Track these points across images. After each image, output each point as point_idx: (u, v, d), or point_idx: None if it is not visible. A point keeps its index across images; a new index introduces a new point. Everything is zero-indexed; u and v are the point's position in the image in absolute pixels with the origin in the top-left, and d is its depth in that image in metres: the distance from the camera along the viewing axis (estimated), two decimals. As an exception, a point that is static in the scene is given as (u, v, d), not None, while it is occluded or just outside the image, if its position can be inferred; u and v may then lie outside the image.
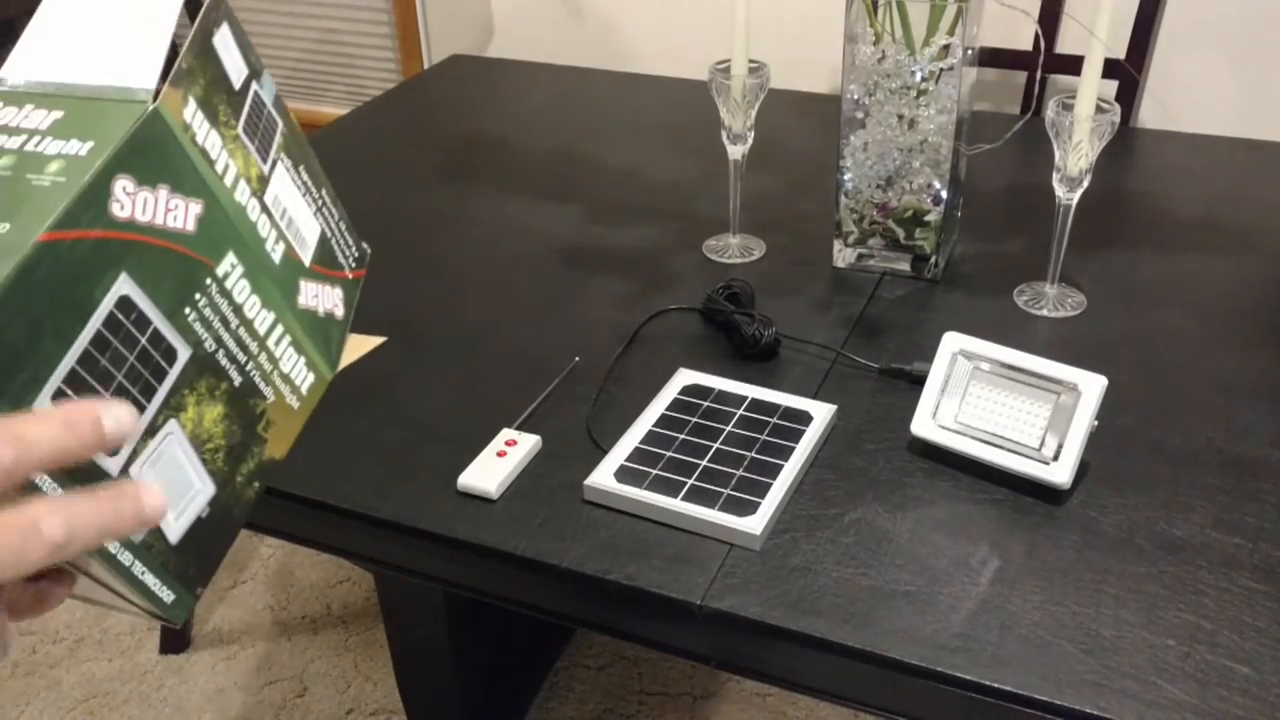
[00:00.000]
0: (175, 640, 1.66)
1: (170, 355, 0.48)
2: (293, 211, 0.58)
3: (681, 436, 0.89)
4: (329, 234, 0.63)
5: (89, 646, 1.68)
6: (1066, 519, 0.82)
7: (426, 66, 2.07)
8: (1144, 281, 1.12)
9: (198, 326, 0.49)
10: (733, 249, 1.20)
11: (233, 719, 1.56)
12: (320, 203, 0.63)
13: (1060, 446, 0.83)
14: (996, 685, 0.69)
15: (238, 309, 0.52)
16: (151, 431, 0.47)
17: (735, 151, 1.14)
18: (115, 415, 0.39)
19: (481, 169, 1.42)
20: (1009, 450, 0.85)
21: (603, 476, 0.85)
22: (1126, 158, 1.40)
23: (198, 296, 0.49)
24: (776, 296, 1.11)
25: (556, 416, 0.94)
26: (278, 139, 0.58)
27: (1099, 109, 0.96)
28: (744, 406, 0.92)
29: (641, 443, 0.88)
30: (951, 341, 0.89)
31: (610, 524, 0.83)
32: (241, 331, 0.53)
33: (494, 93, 1.67)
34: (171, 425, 0.48)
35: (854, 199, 1.12)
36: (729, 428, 0.90)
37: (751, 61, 1.08)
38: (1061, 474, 0.82)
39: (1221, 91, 1.58)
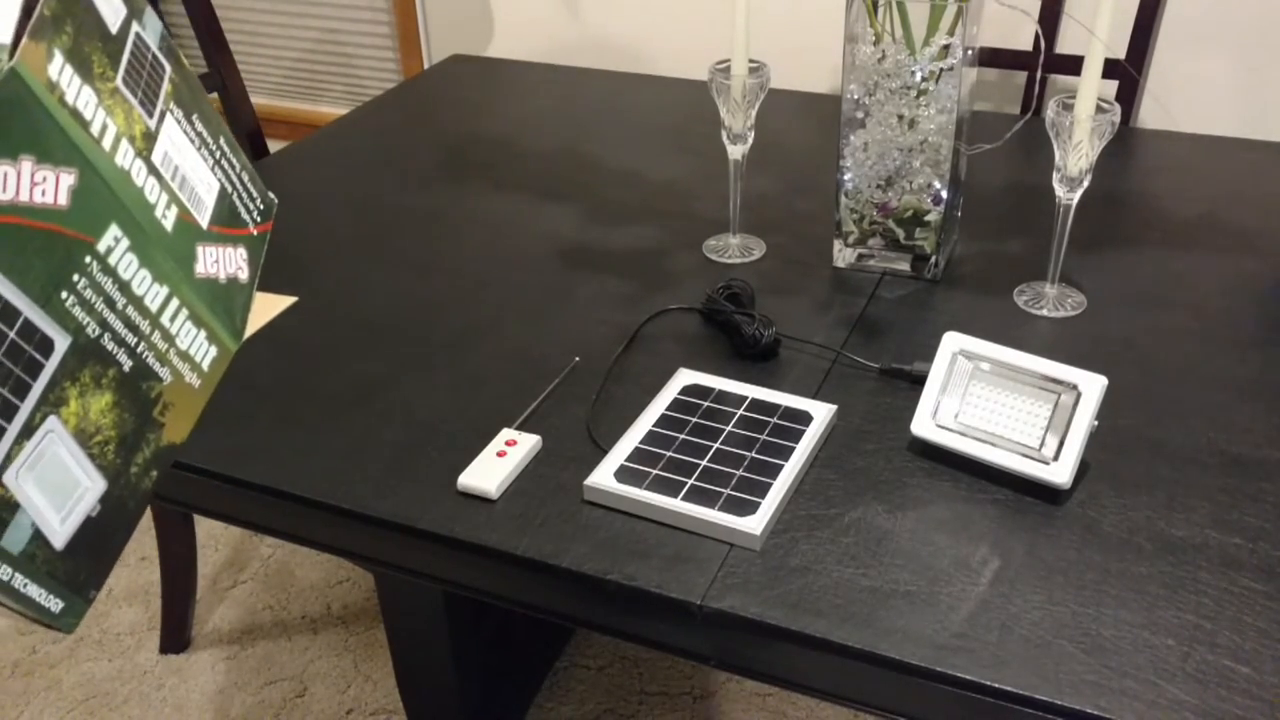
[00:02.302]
0: (175, 640, 1.66)
1: (46, 346, 0.43)
2: (186, 168, 0.52)
3: (681, 436, 0.89)
4: (229, 188, 0.57)
5: (89, 646, 1.68)
6: (1066, 519, 0.82)
7: (426, 66, 2.07)
8: (1144, 281, 1.12)
9: (78, 311, 0.44)
10: (733, 249, 1.20)
11: (233, 719, 1.56)
12: (219, 154, 0.56)
13: (1060, 446, 0.83)
14: (996, 685, 0.69)
15: (124, 286, 0.47)
16: (28, 432, 0.42)
17: (735, 151, 1.14)
18: None
19: (481, 169, 1.42)
20: (1009, 450, 0.85)
21: (603, 476, 0.85)
22: (1126, 158, 1.40)
23: (76, 278, 0.44)
24: (776, 296, 1.11)
25: (556, 416, 0.94)
26: (165, 86, 0.51)
27: (1099, 109, 0.96)
28: (744, 406, 0.92)
29: (641, 443, 0.88)
30: (951, 341, 0.89)
31: (610, 524, 0.83)
32: (130, 311, 0.47)
33: (494, 93, 1.67)
34: (52, 422, 0.44)
35: (854, 199, 1.12)
36: (729, 428, 0.90)
37: (751, 61, 1.08)
38: (1061, 474, 0.82)
39: (1221, 91, 1.58)
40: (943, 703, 0.71)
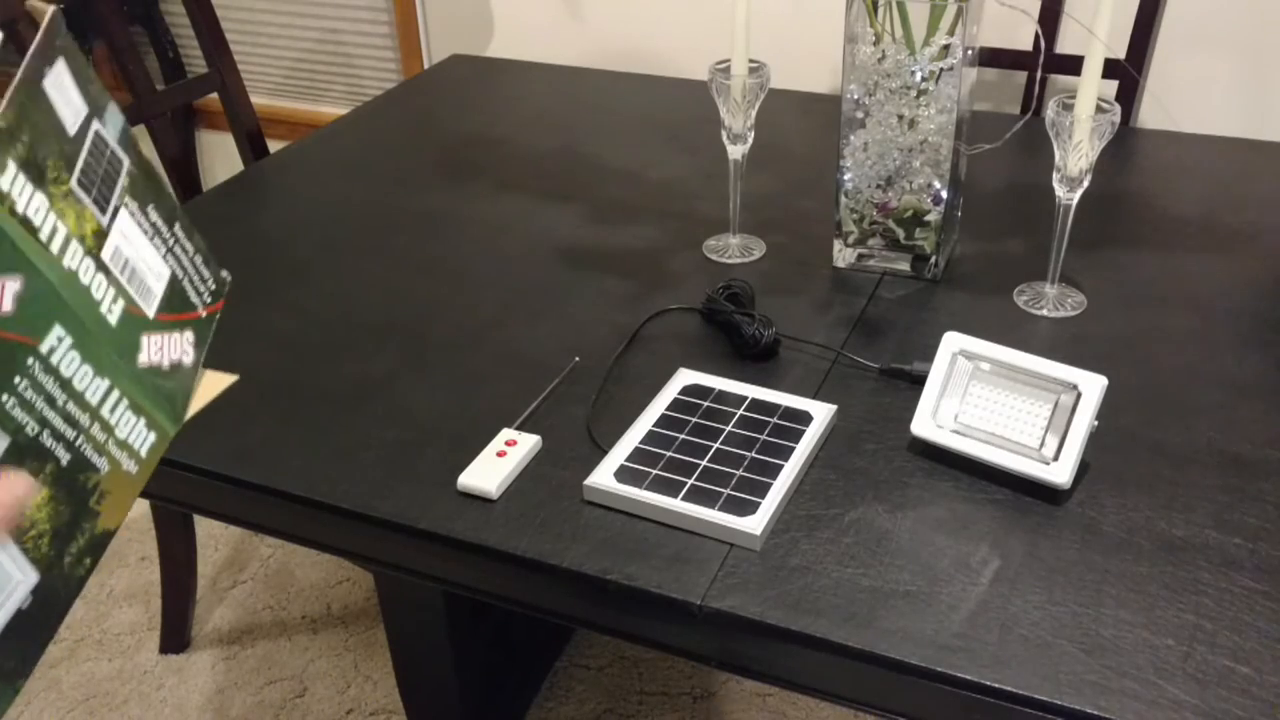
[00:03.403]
0: (175, 640, 1.66)
1: None
2: (137, 261, 0.53)
3: (681, 436, 0.89)
4: (181, 274, 0.58)
5: (89, 646, 1.68)
6: (1066, 519, 0.82)
7: (426, 66, 2.07)
8: (1144, 281, 1.12)
9: (17, 412, 0.44)
10: (733, 249, 1.20)
11: (233, 719, 1.56)
12: (172, 241, 0.57)
13: (1060, 446, 0.83)
14: (996, 685, 0.69)
15: (65, 384, 0.47)
16: None
17: (735, 151, 1.14)
18: None
19: (481, 169, 1.42)
20: (1009, 450, 0.85)
21: (603, 476, 0.85)
22: (1126, 158, 1.40)
23: (17, 380, 0.44)
24: (776, 296, 1.11)
25: (556, 416, 0.94)
26: (122, 181, 0.52)
27: (1099, 109, 0.96)
28: (744, 406, 0.92)
29: (641, 443, 0.88)
30: (951, 341, 0.89)
31: (610, 524, 0.83)
32: (70, 406, 0.47)
33: (494, 93, 1.67)
34: None
35: (854, 199, 1.12)
36: (729, 428, 0.90)
37: (751, 61, 1.08)
38: (1061, 474, 0.82)
39: (1221, 91, 1.58)
40: (943, 703, 0.71)
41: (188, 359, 0.58)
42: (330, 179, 1.40)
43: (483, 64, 1.79)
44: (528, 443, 0.89)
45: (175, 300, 0.57)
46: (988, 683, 0.69)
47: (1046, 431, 0.84)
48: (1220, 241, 1.19)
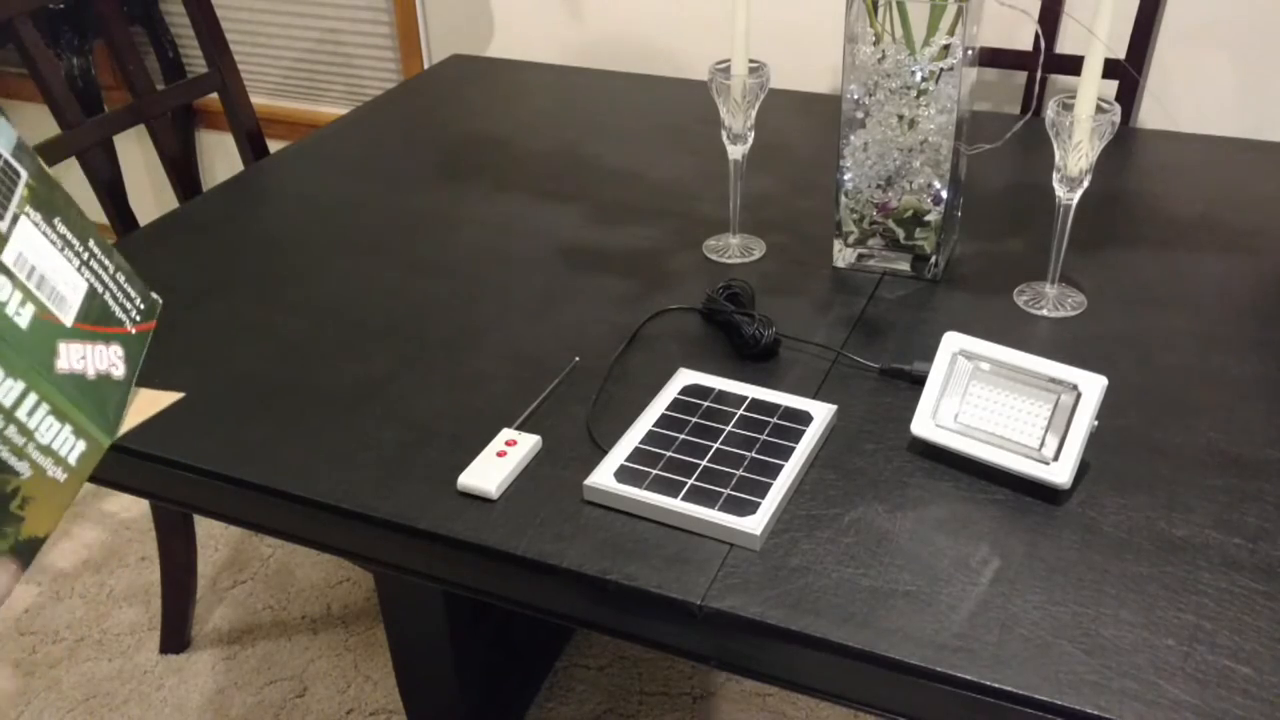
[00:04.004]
0: (175, 640, 1.66)
1: None
2: (45, 268, 0.54)
3: (681, 436, 0.89)
4: (101, 288, 0.59)
5: (89, 646, 1.68)
6: (1066, 519, 0.82)
7: (426, 66, 2.07)
8: (1144, 281, 1.12)
9: None
10: (733, 249, 1.20)
11: (233, 719, 1.56)
12: (87, 256, 0.58)
13: (1060, 446, 0.83)
14: (996, 685, 0.69)
15: None
16: None
17: (735, 151, 1.14)
18: None
19: (481, 169, 1.42)
20: (1009, 450, 0.85)
21: (603, 476, 0.85)
22: (1126, 158, 1.40)
23: None
24: (776, 296, 1.11)
25: (556, 416, 0.94)
26: (20, 191, 0.53)
27: (1099, 109, 0.96)
28: (744, 406, 0.92)
29: (641, 443, 0.88)
30: (951, 341, 0.89)
31: (610, 524, 0.83)
32: None
33: (494, 93, 1.67)
34: None
35: (854, 199, 1.12)
36: (729, 428, 0.90)
37: (751, 61, 1.08)
38: (1061, 474, 0.82)
39: (1221, 91, 1.58)
40: (943, 703, 0.71)
41: (117, 372, 0.58)
42: (330, 179, 1.40)
43: (483, 64, 1.79)
44: (528, 443, 0.89)
45: (96, 313, 0.58)
46: (988, 683, 0.69)
47: (1046, 431, 0.84)
48: (1220, 241, 1.19)
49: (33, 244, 0.53)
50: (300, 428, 0.94)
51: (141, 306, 0.63)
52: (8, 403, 0.50)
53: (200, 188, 1.58)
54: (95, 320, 0.57)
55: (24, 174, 0.53)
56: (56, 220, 0.55)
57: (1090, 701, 0.68)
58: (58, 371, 0.53)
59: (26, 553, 0.50)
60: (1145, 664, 0.70)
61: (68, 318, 0.55)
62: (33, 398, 0.51)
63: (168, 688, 1.61)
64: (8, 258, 0.51)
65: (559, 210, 1.30)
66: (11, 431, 0.50)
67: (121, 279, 0.61)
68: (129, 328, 0.60)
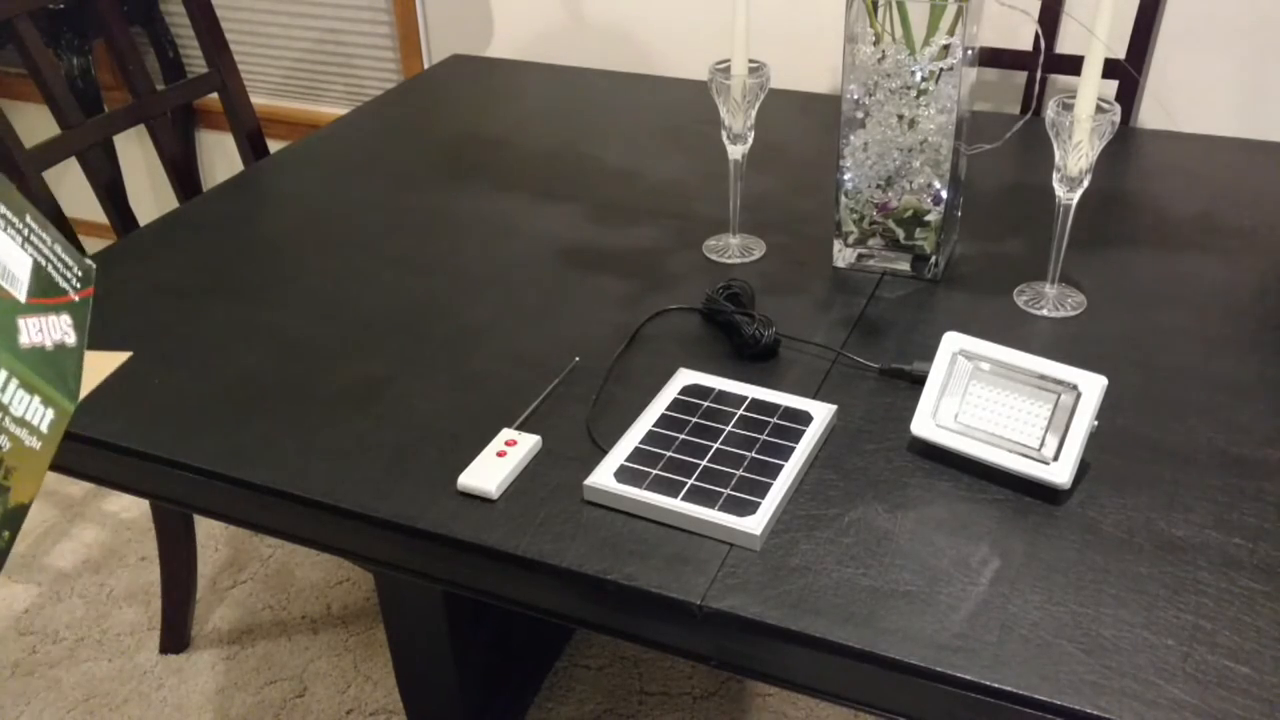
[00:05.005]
0: (175, 640, 1.66)
1: None
2: None
3: (681, 436, 0.89)
4: (44, 261, 0.61)
5: (89, 646, 1.68)
6: (1066, 519, 0.82)
7: (426, 66, 2.07)
8: (1144, 281, 1.12)
9: None
10: (733, 249, 1.20)
11: (233, 719, 1.56)
12: (27, 232, 0.61)
13: (1060, 446, 0.83)
14: (996, 685, 0.69)
15: None
16: None
17: (735, 151, 1.14)
18: None
19: (481, 169, 1.42)
20: (1009, 450, 0.85)
21: (603, 476, 0.85)
22: (1126, 158, 1.40)
23: None
24: (776, 296, 1.11)
25: (556, 416, 0.94)
26: None
27: (1099, 109, 0.96)
28: (744, 406, 0.92)
29: (641, 443, 0.88)
30: (951, 341, 0.89)
31: (610, 524, 0.83)
32: None
33: (494, 93, 1.67)
34: None
35: (854, 199, 1.12)
36: (729, 428, 0.90)
37: (751, 61, 1.08)
38: (1061, 474, 0.82)
39: (1221, 91, 1.58)
40: (943, 703, 0.71)
41: (70, 340, 0.61)
42: (330, 179, 1.40)
43: (483, 64, 1.79)
44: (528, 443, 0.89)
45: (44, 285, 0.60)
46: (988, 683, 0.69)
47: (1046, 431, 0.84)
48: (1220, 241, 1.19)
49: None
50: (300, 428, 0.94)
51: (79, 274, 0.65)
52: None
53: (200, 188, 1.58)
54: (44, 293, 0.60)
55: None
56: None
57: (1090, 701, 0.68)
58: (22, 347, 0.56)
59: (15, 520, 0.53)
60: (1145, 664, 0.70)
61: (20, 294, 0.57)
62: (3, 374, 0.54)
63: (168, 688, 1.61)
64: None
65: (559, 210, 1.30)
66: None
67: (59, 249, 0.64)
68: (73, 295, 0.63)
